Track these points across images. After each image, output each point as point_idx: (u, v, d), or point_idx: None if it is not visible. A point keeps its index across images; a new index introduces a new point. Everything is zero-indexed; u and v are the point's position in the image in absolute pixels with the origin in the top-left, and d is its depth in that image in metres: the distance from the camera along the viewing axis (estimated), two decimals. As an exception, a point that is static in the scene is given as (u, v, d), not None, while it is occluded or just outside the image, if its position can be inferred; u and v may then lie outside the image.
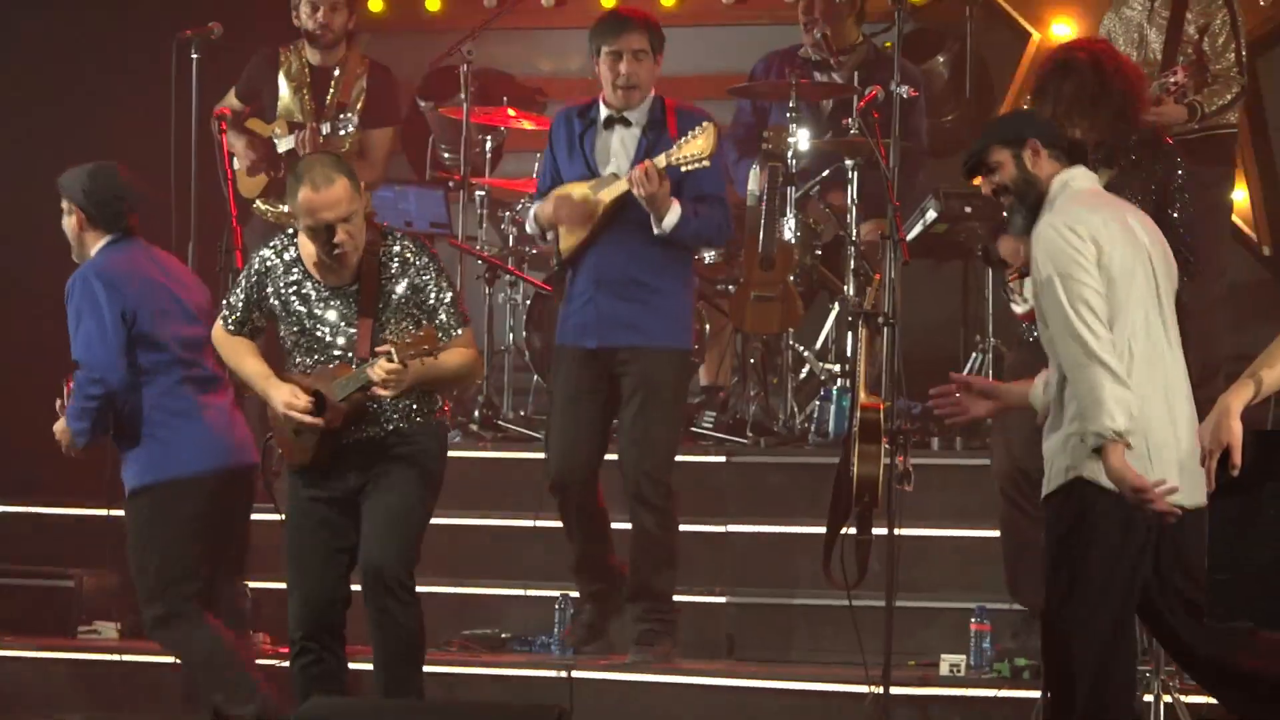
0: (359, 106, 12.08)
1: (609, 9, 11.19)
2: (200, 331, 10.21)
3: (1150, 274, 8.30)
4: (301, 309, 9.35)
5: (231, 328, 9.52)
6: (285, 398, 9.25)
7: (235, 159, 12.05)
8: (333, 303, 9.32)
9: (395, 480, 9.38)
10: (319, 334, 9.31)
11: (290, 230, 9.51)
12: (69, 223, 10.16)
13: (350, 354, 9.25)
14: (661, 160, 10.24)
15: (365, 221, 9.33)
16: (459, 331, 9.31)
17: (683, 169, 10.29)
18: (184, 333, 10.22)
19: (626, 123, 10.58)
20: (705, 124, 10.38)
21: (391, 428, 9.37)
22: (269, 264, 9.42)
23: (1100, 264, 8.11)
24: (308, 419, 9.21)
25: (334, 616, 9.51)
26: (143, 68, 12.08)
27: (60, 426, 10.12)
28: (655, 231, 10.36)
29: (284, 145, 11.98)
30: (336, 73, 12.20)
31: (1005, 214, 8.52)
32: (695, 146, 10.28)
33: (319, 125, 11.93)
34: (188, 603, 10.11)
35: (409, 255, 9.34)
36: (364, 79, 12.22)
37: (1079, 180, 8.36)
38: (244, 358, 9.50)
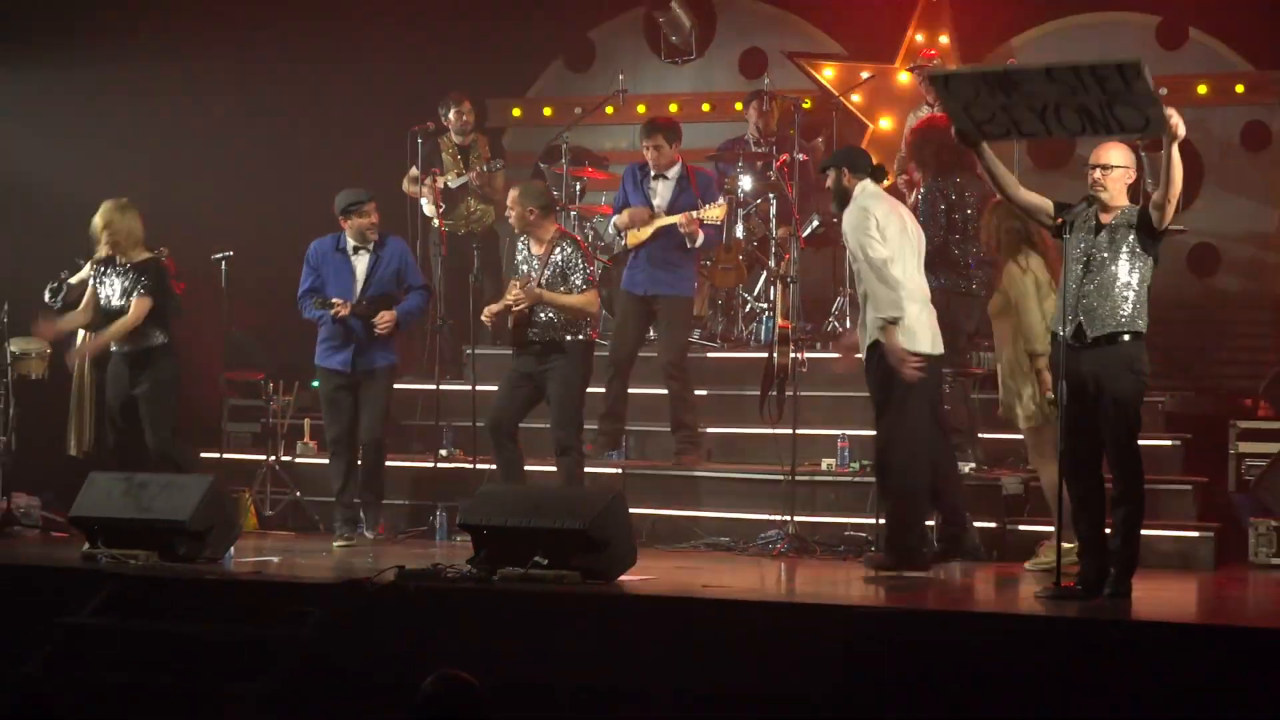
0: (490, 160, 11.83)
1: (646, 118, 10.98)
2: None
3: (911, 240, 8.44)
4: (523, 267, 9.48)
5: None
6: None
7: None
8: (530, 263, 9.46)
9: (556, 378, 9.32)
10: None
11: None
12: (375, 219, 9.75)
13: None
14: (695, 214, 10.25)
15: (551, 228, 9.46)
16: (583, 289, 9.34)
17: (705, 222, 10.29)
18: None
19: (665, 178, 10.48)
20: (721, 201, 10.45)
21: (549, 339, 9.31)
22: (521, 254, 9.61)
23: (879, 228, 8.28)
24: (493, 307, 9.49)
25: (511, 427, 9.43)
26: (391, 148, 11.80)
27: (393, 318, 9.61)
28: (689, 246, 10.36)
29: (455, 183, 11.68)
30: (472, 145, 11.84)
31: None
32: (714, 213, 10.34)
33: (484, 168, 11.68)
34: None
35: (566, 246, 9.38)
36: (487, 147, 11.95)
37: (870, 187, 8.47)
38: None
